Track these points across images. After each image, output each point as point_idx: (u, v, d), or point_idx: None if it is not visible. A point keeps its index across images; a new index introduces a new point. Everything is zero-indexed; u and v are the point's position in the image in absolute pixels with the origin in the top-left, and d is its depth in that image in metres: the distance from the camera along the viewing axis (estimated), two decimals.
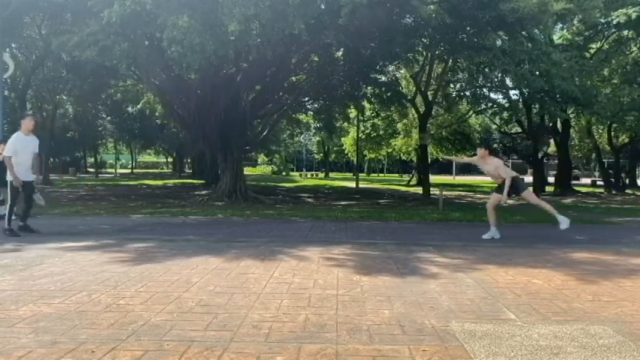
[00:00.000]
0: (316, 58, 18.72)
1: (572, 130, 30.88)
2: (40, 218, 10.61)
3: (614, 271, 5.32)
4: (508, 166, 8.31)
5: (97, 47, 10.96)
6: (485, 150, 7.97)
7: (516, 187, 7.71)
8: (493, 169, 7.76)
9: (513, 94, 24.58)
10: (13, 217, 7.72)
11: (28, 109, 26.13)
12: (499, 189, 7.83)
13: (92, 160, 53.41)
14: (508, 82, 20.51)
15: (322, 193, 23.30)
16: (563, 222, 7.53)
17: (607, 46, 23.08)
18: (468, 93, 23.66)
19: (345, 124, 36.80)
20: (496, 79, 20.00)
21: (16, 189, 7.58)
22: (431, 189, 21.36)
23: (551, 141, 29.12)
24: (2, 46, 13.41)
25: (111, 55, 11.51)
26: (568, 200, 20.50)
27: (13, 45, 19.32)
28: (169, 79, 16.16)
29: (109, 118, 38.41)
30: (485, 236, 7.80)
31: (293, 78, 20.54)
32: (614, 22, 16.49)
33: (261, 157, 65.98)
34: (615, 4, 16.20)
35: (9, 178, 7.59)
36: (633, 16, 14.84)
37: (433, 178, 30.51)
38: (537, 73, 14.92)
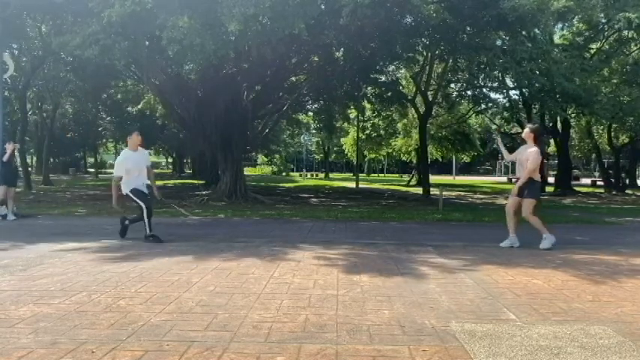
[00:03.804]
0: (316, 58, 18.72)
1: (572, 130, 30.86)
2: (40, 218, 10.63)
3: (614, 272, 5.32)
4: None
5: (98, 46, 10.97)
6: (531, 133, 7.07)
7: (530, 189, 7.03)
8: (526, 155, 6.92)
9: (514, 94, 24.60)
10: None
11: (28, 110, 26.14)
12: (520, 193, 7.07)
13: (92, 160, 53.43)
14: (508, 81, 20.50)
15: (322, 194, 23.30)
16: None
17: (607, 46, 23.07)
18: (469, 92, 23.68)
19: (345, 124, 36.82)
20: (497, 79, 19.99)
21: (144, 196, 7.26)
22: (431, 189, 21.37)
23: (551, 141, 29.09)
24: (2, 46, 13.40)
25: (111, 54, 11.53)
26: (568, 200, 20.50)
27: (13, 45, 19.30)
28: (169, 79, 16.16)
29: (108, 118, 38.37)
30: (542, 246, 6.90)
31: (293, 78, 20.55)
32: (616, 26, 16.48)
33: (261, 157, 66.01)
34: (617, 2, 16.15)
35: (124, 191, 7.28)
36: (635, 22, 14.79)
37: (433, 178, 30.52)
38: (537, 72, 14.91)
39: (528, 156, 6.94)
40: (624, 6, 15.55)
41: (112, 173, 8.10)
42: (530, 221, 7.04)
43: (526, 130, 7.33)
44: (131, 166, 7.20)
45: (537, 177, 7.07)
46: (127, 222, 7.41)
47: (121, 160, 7.25)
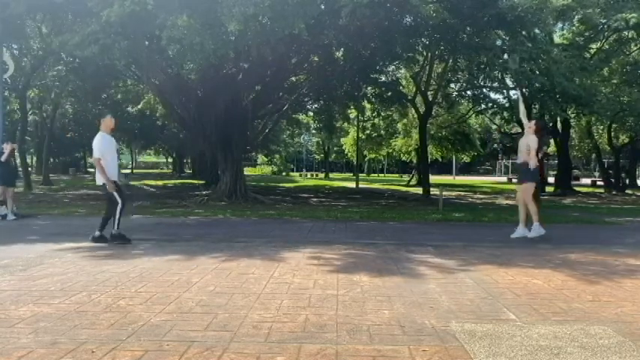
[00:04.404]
0: (316, 58, 18.73)
1: (572, 130, 30.85)
2: (40, 218, 10.63)
3: (614, 272, 5.32)
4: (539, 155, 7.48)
5: (98, 45, 10.98)
6: (534, 125, 7.44)
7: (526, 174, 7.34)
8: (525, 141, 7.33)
9: (514, 94, 24.55)
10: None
11: (28, 110, 26.13)
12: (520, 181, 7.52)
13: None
14: (508, 81, 20.48)
15: (322, 194, 23.29)
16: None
17: (607, 46, 23.07)
18: (469, 92, 23.68)
19: (345, 124, 36.82)
20: (496, 79, 19.98)
21: (120, 190, 6.97)
22: (431, 189, 21.37)
23: (552, 141, 29.09)
24: (2, 46, 13.40)
25: (111, 53, 11.54)
26: (568, 200, 20.50)
27: (13, 45, 19.30)
28: (169, 79, 16.17)
29: None
30: (530, 235, 7.25)
31: (293, 78, 20.55)
32: (613, 26, 16.51)
33: (261, 157, 65.98)
34: (616, 4, 16.15)
35: (99, 182, 7.00)
36: (632, 21, 14.82)
37: (433, 178, 30.51)
38: (537, 72, 14.91)
39: (528, 141, 7.30)
40: (623, 7, 15.56)
41: None
42: (528, 205, 7.14)
43: (532, 122, 7.63)
44: (107, 148, 6.98)
45: (534, 163, 7.28)
46: (97, 234, 6.95)
47: (98, 140, 7.00)
